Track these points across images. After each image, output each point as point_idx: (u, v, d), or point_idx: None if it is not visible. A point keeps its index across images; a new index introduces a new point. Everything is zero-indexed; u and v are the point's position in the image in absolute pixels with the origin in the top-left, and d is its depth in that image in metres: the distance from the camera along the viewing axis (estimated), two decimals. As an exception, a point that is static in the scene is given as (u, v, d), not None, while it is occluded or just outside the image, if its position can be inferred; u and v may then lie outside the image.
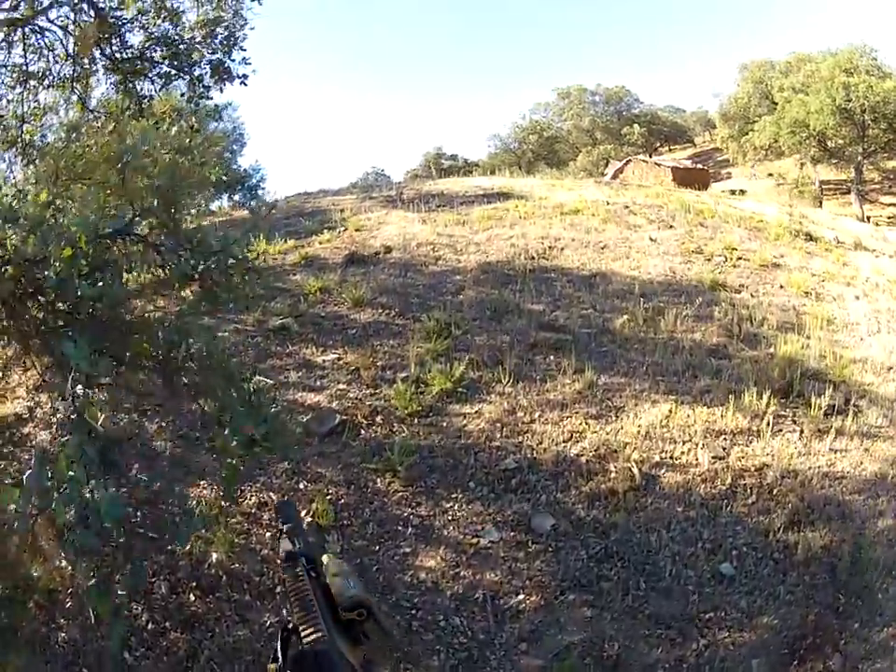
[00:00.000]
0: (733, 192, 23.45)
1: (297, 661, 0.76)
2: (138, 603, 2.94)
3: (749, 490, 3.80)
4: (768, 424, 4.26)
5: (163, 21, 7.22)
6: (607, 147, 39.38)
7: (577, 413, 4.31)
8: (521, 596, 3.10)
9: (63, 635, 2.85)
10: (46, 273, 1.96)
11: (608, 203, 9.41)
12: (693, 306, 5.65)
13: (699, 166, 31.91)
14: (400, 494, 3.61)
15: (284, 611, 2.81)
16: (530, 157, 41.00)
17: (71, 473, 1.69)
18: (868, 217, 25.02)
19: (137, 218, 2.42)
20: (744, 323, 5.52)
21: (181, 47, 7.27)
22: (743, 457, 4.05)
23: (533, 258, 6.82)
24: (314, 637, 0.78)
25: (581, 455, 3.93)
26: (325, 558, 1.03)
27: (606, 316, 5.59)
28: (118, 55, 7.17)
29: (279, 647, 0.86)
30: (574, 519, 3.52)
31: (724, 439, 4.17)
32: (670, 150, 45.71)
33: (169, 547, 2.88)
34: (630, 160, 31.81)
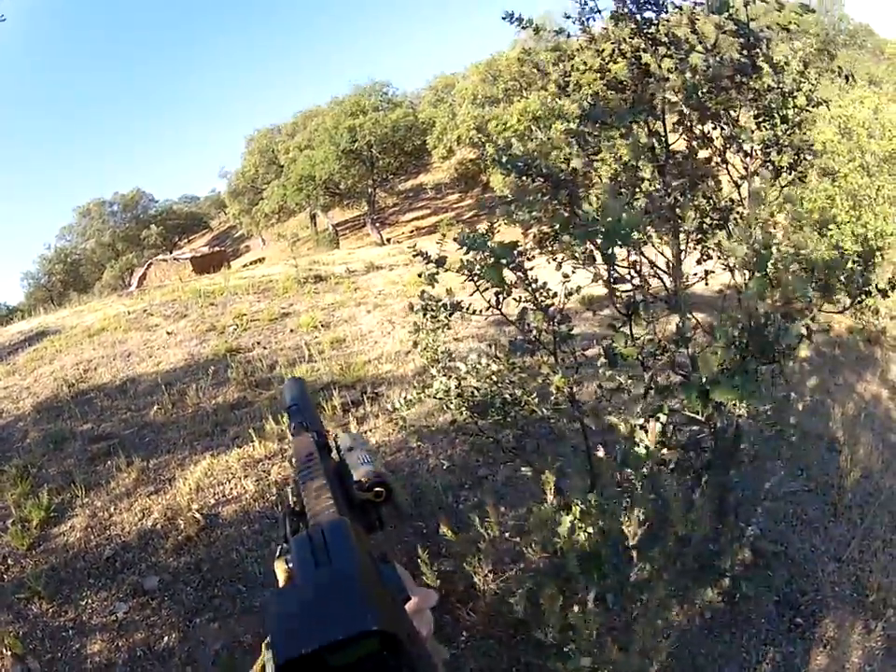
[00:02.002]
0: (245, 266, 25.56)
1: (301, 544, 0.57)
2: None
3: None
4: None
5: None
6: (129, 256, 38.38)
7: (140, 495, 5.02)
8: (166, 638, 3.77)
9: None
10: None
11: (129, 314, 10.01)
12: (210, 377, 6.87)
13: (216, 249, 34.09)
14: (52, 610, 4.05)
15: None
16: (60, 288, 36.89)
17: None
18: (388, 240, 27.89)
19: None
20: (257, 373, 7.02)
21: None
22: (282, 470, 5.40)
23: (73, 384, 7.30)
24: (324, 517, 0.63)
25: (156, 524, 4.67)
26: (337, 433, 0.92)
27: (142, 413, 6.36)
28: None
29: (285, 533, 0.73)
30: (171, 570, 4.25)
31: (262, 464, 5.34)
32: (189, 241, 46.82)
33: None
34: (151, 262, 31.81)
